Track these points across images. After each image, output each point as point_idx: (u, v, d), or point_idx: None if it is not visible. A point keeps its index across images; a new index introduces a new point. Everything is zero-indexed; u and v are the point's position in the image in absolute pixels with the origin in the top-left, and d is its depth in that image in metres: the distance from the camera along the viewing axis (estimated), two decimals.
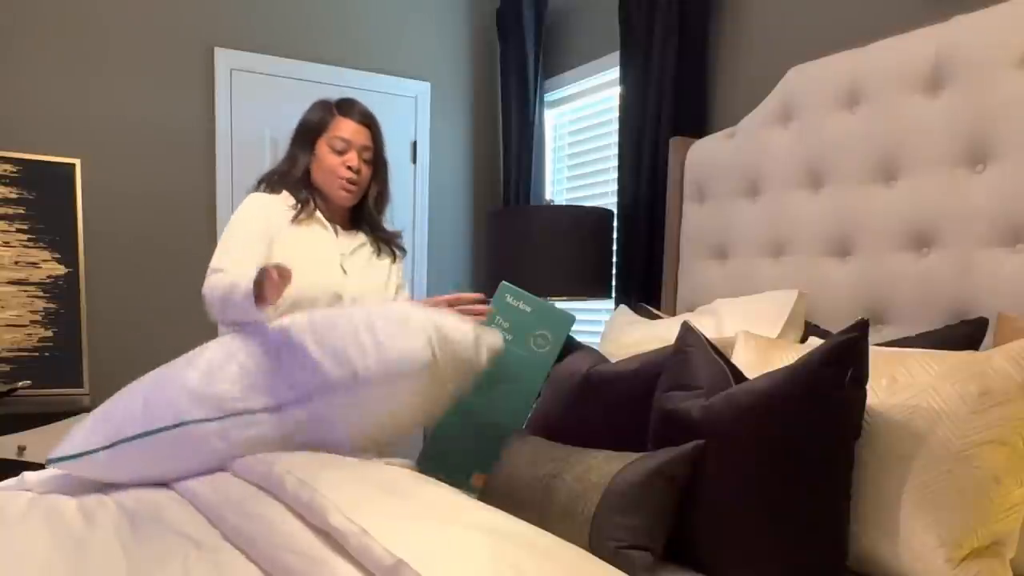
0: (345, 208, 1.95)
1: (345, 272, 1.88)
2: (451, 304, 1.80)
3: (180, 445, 1.39)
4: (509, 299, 1.78)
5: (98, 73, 2.91)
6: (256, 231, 1.80)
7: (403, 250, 2.05)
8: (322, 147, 1.88)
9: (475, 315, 1.74)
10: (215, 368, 1.45)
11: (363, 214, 1.97)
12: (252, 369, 1.44)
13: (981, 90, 1.61)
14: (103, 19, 2.91)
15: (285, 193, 1.90)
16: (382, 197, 1.99)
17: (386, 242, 2.00)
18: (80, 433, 1.41)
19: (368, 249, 1.97)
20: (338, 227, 1.94)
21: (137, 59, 2.97)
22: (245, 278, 1.52)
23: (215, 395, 1.41)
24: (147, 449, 1.39)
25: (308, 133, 1.90)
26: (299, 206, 1.87)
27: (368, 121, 1.91)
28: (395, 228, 2.05)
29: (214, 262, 1.77)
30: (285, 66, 3.23)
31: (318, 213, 1.90)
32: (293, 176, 1.89)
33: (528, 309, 1.78)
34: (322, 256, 1.87)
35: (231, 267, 1.70)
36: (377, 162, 1.94)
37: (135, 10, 2.96)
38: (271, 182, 1.92)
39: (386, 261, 1.99)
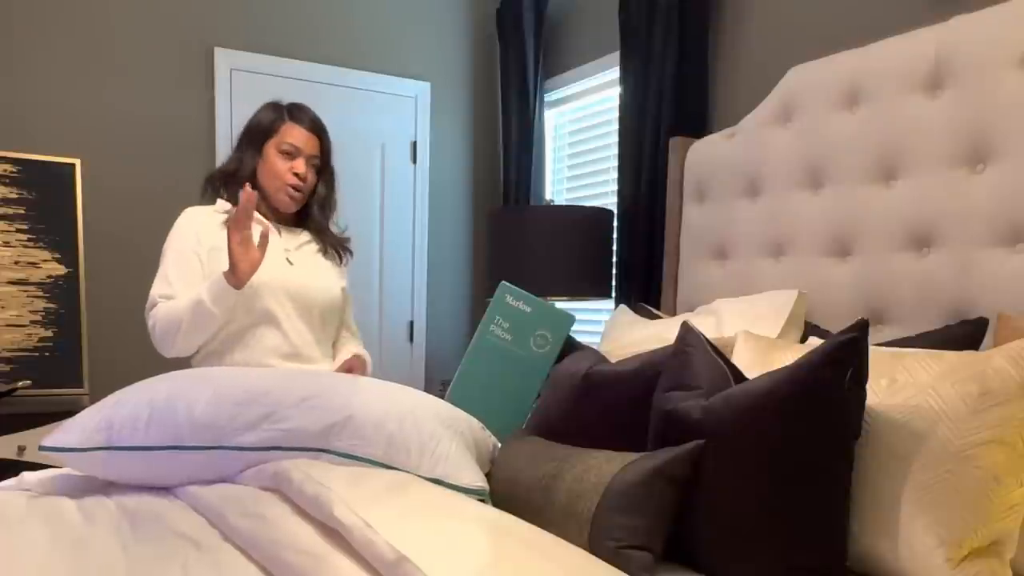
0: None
1: (291, 264, 1.88)
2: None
3: (174, 461, 1.37)
4: (509, 299, 1.78)
5: (98, 73, 2.91)
6: (189, 251, 1.82)
7: (350, 253, 2.04)
8: (270, 150, 1.87)
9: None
10: (222, 398, 1.41)
11: (308, 216, 1.97)
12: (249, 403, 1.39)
13: (981, 90, 1.61)
14: (103, 19, 2.91)
15: (220, 202, 1.90)
16: (328, 202, 1.99)
17: (332, 244, 1.99)
18: (77, 428, 1.39)
19: (314, 246, 1.96)
20: (280, 226, 1.94)
21: (137, 59, 2.98)
22: (208, 282, 1.70)
23: (214, 426, 1.38)
24: (142, 459, 1.38)
25: (257, 135, 1.89)
26: (233, 210, 1.85)
27: (318, 130, 1.92)
28: (342, 232, 2.04)
29: (156, 291, 1.79)
30: (285, 66, 3.23)
31: (256, 214, 1.89)
32: (239, 177, 1.88)
33: (528, 309, 1.78)
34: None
35: (176, 293, 1.77)
36: (324, 169, 1.95)
37: (135, 10, 2.96)
38: (216, 184, 1.92)
39: (331, 262, 1.98)
